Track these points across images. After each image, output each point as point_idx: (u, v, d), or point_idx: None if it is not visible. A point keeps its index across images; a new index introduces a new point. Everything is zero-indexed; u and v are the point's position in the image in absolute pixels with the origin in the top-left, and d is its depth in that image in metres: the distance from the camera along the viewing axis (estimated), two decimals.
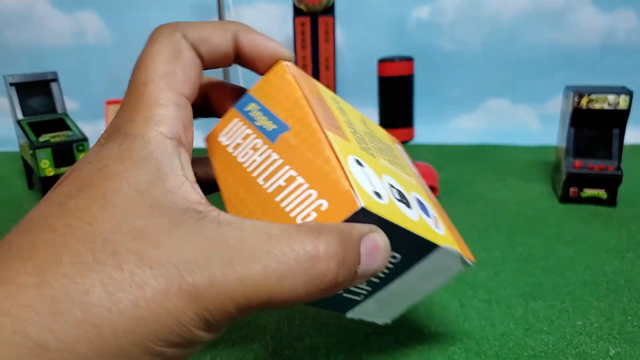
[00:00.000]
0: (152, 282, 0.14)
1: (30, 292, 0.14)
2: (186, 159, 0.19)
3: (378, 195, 0.19)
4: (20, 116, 0.61)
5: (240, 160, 0.23)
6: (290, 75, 0.23)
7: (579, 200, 0.55)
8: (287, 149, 0.21)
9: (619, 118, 0.53)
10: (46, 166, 0.57)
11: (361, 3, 0.77)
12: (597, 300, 0.37)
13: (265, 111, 0.23)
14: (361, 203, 0.17)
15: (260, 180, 0.21)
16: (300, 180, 0.20)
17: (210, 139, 0.25)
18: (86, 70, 0.81)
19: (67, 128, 0.61)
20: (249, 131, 0.23)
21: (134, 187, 0.16)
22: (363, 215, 0.18)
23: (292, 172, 0.20)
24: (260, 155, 0.22)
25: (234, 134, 0.24)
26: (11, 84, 0.61)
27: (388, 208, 0.19)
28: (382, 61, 0.62)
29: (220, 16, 0.65)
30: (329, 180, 0.19)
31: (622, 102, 0.53)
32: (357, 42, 0.79)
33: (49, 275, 0.14)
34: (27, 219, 0.16)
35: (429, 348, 0.32)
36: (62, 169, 0.58)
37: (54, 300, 0.14)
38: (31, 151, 0.56)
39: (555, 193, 0.58)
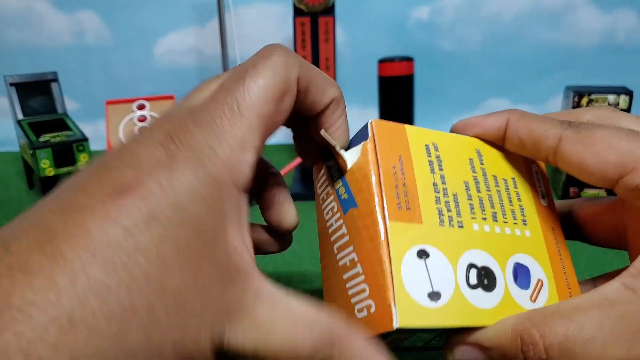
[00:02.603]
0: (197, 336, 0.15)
1: None
2: (247, 219, 0.18)
3: (435, 296, 0.19)
4: (20, 116, 0.61)
5: (325, 217, 0.23)
6: (367, 143, 0.20)
7: None
8: (353, 228, 0.20)
9: None
10: (46, 166, 0.57)
11: (361, 3, 0.77)
12: None
13: (341, 175, 0.22)
14: (397, 324, 0.18)
15: (335, 248, 0.21)
16: (359, 268, 0.20)
17: (313, 172, 0.25)
18: (86, 71, 0.81)
19: (67, 128, 0.61)
20: (329, 190, 0.22)
21: (200, 235, 0.15)
22: (401, 330, 0.18)
23: (354, 256, 0.20)
24: (335, 221, 0.22)
25: (322, 185, 0.23)
26: (11, 84, 0.61)
27: (440, 311, 0.19)
28: (382, 61, 0.62)
29: (221, 16, 0.65)
30: (378, 283, 0.19)
31: (622, 102, 0.53)
32: (357, 42, 0.79)
33: None
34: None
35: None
36: (63, 169, 0.58)
37: None
38: (31, 151, 0.56)
39: (555, 193, 0.58)
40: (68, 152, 0.57)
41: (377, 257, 0.19)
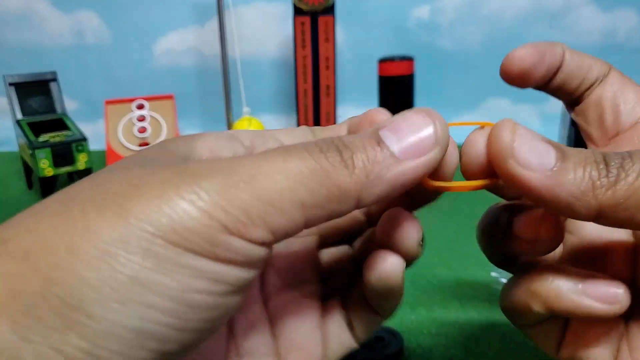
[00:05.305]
0: (168, 178, 0.14)
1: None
2: None
3: None
4: (19, 116, 0.61)
5: None
6: None
7: None
8: None
9: None
10: (45, 166, 0.56)
11: (361, 2, 0.76)
12: None
13: None
14: None
15: None
16: None
17: None
18: (85, 70, 0.81)
19: (67, 128, 0.61)
20: None
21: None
22: None
23: None
24: None
25: None
26: (10, 84, 0.61)
27: None
28: (382, 61, 0.62)
29: (220, 16, 0.65)
30: None
31: None
32: (357, 42, 0.79)
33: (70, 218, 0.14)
34: None
35: (429, 349, 0.32)
36: (62, 169, 0.58)
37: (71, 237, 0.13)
38: (30, 151, 0.56)
39: None
40: (67, 152, 0.57)
41: None
